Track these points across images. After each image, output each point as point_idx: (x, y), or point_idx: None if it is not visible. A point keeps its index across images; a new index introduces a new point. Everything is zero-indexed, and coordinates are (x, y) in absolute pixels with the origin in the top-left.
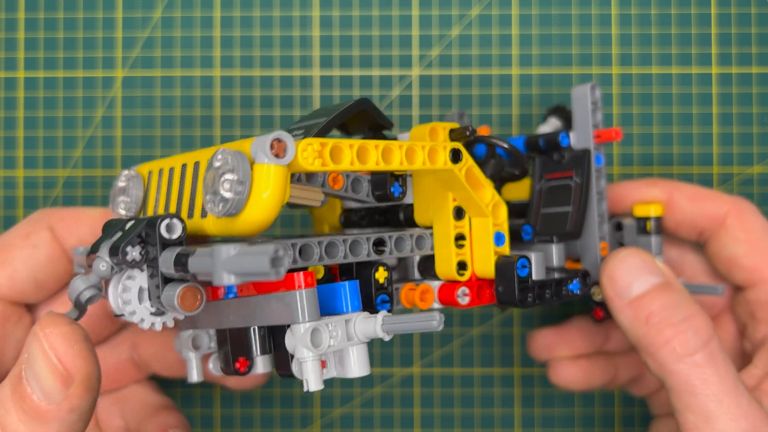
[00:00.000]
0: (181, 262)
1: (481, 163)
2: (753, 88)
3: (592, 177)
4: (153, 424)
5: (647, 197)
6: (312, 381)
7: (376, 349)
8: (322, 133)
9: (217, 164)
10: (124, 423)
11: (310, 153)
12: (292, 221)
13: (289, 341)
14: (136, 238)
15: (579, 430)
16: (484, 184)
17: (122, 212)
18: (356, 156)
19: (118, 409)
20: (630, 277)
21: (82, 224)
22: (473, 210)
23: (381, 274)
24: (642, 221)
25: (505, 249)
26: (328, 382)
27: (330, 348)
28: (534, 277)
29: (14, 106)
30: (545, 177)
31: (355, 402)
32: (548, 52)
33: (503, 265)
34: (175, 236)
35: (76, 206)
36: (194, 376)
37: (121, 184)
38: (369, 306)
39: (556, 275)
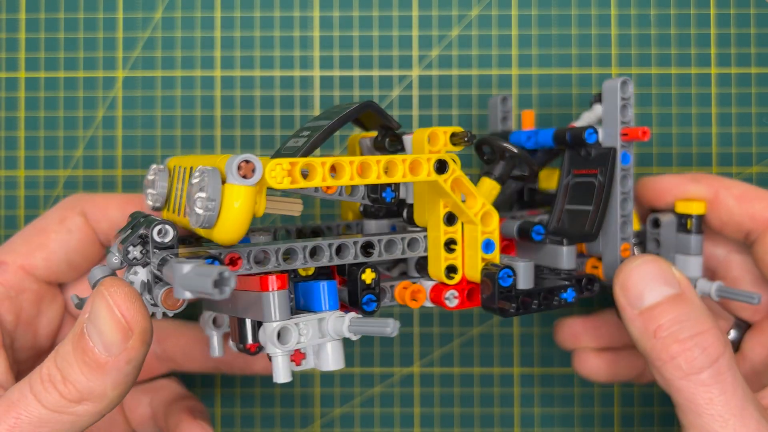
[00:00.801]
0: (160, 267)
1: (489, 162)
2: (752, 89)
3: (616, 177)
4: (179, 409)
5: (691, 194)
6: (279, 374)
7: (376, 348)
8: (325, 135)
9: (194, 181)
10: (151, 411)
11: (278, 172)
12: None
13: (261, 337)
14: (137, 238)
15: (578, 430)
16: (473, 193)
17: (150, 203)
18: (328, 173)
19: (148, 397)
20: (642, 287)
21: (114, 209)
22: (463, 217)
23: (368, 276)
24: (683, 218)
25: (495, 256)
26: (329, 382)
27: (299, 344)
28: (520, 286)
29: (15, 106)
30: (573, 172)
31: (355, 401)
32: (548, 52)
33: (487, 274)
34: (167, 240)
35: (107, 192)
36: (216, 351)
37: (150, 176)
38: (356, 304)
39: (547, 284)
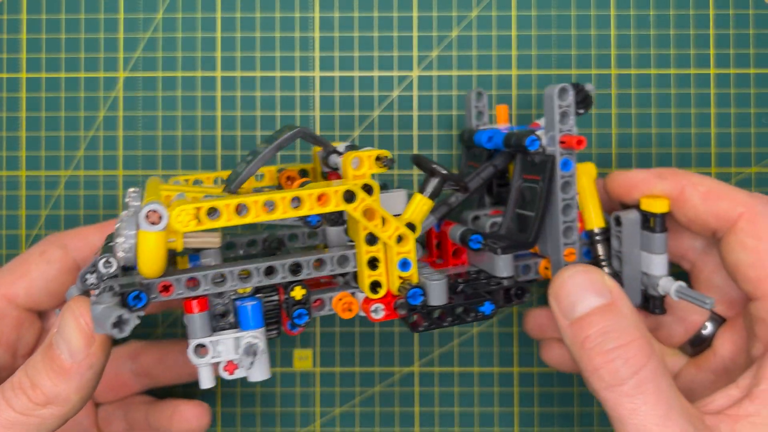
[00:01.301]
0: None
1: (426, 181)
2: (751, 89)
3: (555, 185)
4: (168, 402)
5: (657, 190)
6: (203, 381)
7: (377, 348)
8: (259, 164)
9: (116, 225)
10: (126, 424)
11: (184, 217)
12: None
13: (188, 350)
14: (92, 266)
15: (578, 429)
16: (387, 218)
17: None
18: (234, 212)
19: (123, 411)
20: (574, 297)
21: (94, 235)
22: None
23: (297, 292)
24: (647, 216)
25: (413, 274)
26: (329, 381)
27: (216, 359)
28: (432, 303)
29: (17, 106)
30: (523, 176)
31: (355, 400)
32: (547, 53)
33: (399, 293)
34: (111, 271)
35: (87, 225)
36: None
37: (126, 200)
38: (289, 317)
39: (464, 299)
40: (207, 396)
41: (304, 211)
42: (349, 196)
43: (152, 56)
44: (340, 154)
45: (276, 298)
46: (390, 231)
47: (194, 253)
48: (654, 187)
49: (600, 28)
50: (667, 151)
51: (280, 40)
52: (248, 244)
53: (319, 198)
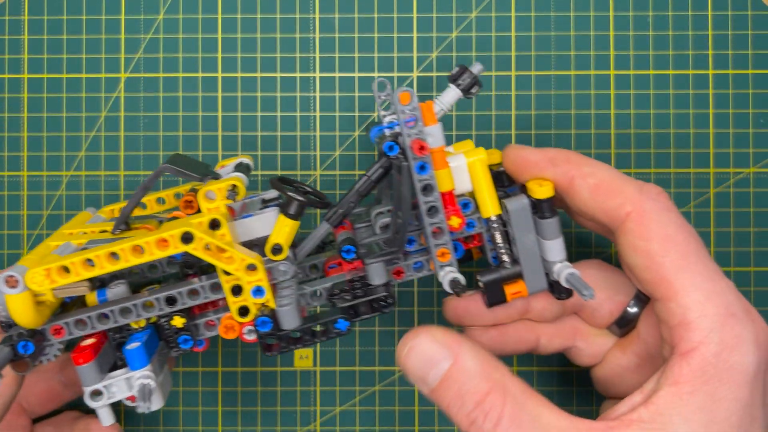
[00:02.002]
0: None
1: (285, 204)
2: (749, 89)
3: (416, 188)
4: (84, 418)
5: (547, 176)
6: (103, 420)
7: (377, 347)
8: (132, 206)
9: None
10: None
11: (37, 279)
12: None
13: (84, 397)
14: None
15: None
16: (230, 253)
17: None
18: (82, 267)
19: (52, 427)
20: (421, 372)
21: None
22: None
23: (177, 321)
24: (533, 201)
25: (268, 299)
26: (330, 380)
27: (111, 399)
28: (284, 327)
29: (18, 107)
30: (397, 179)
31: (355, 399)
32: (547, 53)
33: (253, 320)
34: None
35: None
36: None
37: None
38: (174, 344)
39: (309, 323)
40: (208, 396)
41: (146, 258)
42: (187, 238)
43: (154, 57)
44: (217, 178)
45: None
46: (236, 264)
47: (101, 287)
48: (544, 173)
49: (599, 29)
50: (665, 152)
51: (280, 41)
52: (167, 263)
53: (159, 243)
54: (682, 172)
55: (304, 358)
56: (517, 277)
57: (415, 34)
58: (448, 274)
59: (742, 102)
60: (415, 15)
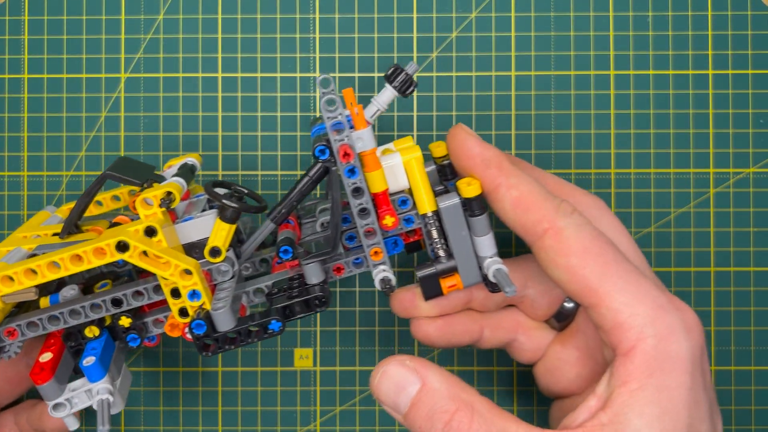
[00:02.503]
0: None
1: (222, 208)
2: (749, 89)
3: (347, 192)
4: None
5: (477, 175)
6: (69, 425)
7: (377, 347)
8: (74, 216)
9: None
10: (18, 429)
11: None
12: None
13: (48, 410)
14: None
15: None
16: (167, 259)
17: None
18: (25, 277)
19: (12, 415)
20: (392, 400)
21: None
22: None
23: (124, 321)
24: (463, 199)
25: (204, 301)
26: (330, 380)
27: (73, 409)
28: (220, 329)
29: (19, 107)
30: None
31: (355, 399)
32: (547, 53)
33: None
34: None
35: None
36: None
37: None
38: (122, 341)
39: (242, 325)
40: (208, 396)
41: (84, 266)
42: (122, 246)
43: (154, 57)
44: (160, 181)
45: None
46: (171, 270)
47: (55, 292)
48: (474, 171)
49: (598, 29)
50: (665, 152)
51: (280, 41)
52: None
53: (97, 252)
54: (681, 172)
55: (304, 358)
56: (453, 270)
57: (415, 34)
58: (380, 273)
59: (741, 102)
60: (415, 15)
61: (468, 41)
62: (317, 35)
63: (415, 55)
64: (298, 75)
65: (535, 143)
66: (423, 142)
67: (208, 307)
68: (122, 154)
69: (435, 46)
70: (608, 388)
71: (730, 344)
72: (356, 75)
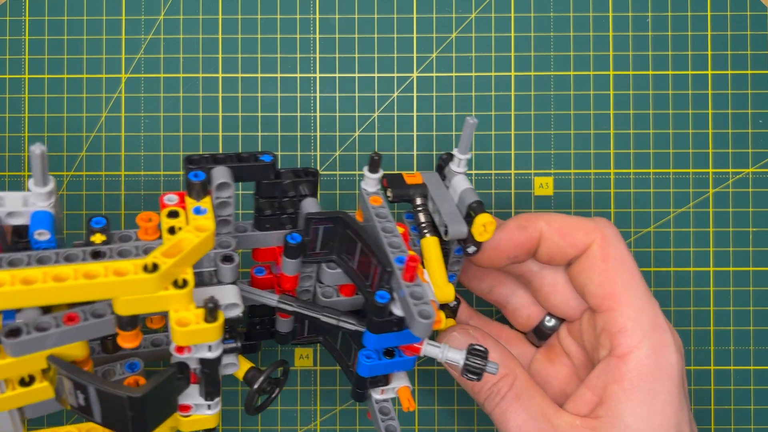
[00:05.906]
0: None
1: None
2: (749, 90)
3: None
4: None
5: (521, 240)
6: None
7: None
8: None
9: None
10: None
11: None
12: None
13: None
14: None
15: None
16: None
17: None
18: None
19: None
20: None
21: None
22: None
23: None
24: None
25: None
26: (330, 380)
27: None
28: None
29: (19, 107)
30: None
31: None
32: (546, 54)
33: None
34: None
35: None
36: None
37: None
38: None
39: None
40: None
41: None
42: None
43: (154, 57)
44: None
45: None
46: None
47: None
48: (518, 241)
49: (598, 29)
50: (665, 152)
51: (281, 41)
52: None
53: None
54: (681, 173)
55: (304, 357)
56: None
57: (415, 35)
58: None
59: (741, 102)
60: (415, 15)
61: (468, 42)
62: (317, 35)
63: (415, 55)
64: (298, 75)
65: (535, 143)
66: (423, 142)
67: None
68: (122, 154)
69: (435, 47)
70: (602, 383)
71: (730, 344)
72: (356, 75)
